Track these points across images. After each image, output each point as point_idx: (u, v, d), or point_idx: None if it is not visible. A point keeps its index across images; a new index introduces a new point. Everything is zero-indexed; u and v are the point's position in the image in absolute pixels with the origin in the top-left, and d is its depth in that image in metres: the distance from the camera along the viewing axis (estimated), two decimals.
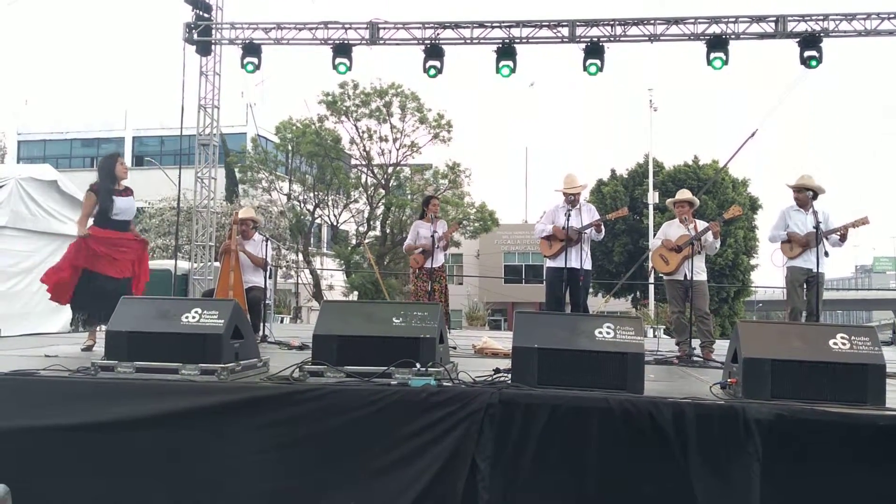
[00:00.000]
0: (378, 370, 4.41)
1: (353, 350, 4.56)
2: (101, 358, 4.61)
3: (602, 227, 7.45)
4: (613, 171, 31.35)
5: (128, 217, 6.68)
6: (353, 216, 28.03)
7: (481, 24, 11.38)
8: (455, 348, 7.25)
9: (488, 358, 6.82)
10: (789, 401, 4.01)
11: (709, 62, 10.90)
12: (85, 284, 6.43)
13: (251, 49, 11.79)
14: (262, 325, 8.03)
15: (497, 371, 4.86)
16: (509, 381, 4.39)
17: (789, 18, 10.84)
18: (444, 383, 4.33)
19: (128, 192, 6.70)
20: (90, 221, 6.54)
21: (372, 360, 4.47)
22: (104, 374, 4.49)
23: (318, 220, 28.34)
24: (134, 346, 4.54)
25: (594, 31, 11.15)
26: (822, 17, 10.75)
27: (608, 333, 4.39)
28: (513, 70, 11.20)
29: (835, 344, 4.21)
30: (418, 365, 4.41)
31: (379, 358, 4.45)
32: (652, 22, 11.12)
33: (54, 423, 4.20)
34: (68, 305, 6.78)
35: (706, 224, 7.20)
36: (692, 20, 11.02)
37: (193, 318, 4.60)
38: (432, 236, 8.00)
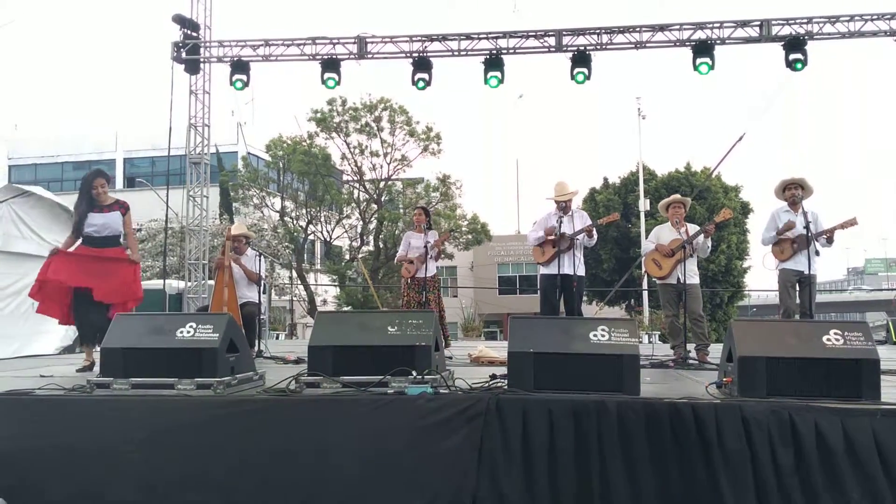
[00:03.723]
0: (374, 379, 4.40)
1: (348, 360, 4.56)
2: (96, 375, 4.60)
3: (594, 232, 7.44)
4: (606, 180, 31.41)
5: (107, 233, 6.30)
6: (345, 232, 28.03)
7: (468, 36, 11.45)
8: (451, 358, 7.24)
9: (484, 366, 6.82)
10: (785, 398, 4.03)
11: (695, 68, 10.99)
12: (74, 301, 6.23)
13: (239, 66, 11.83)
14: (257, 340, 8.02)
15: (493, 377, 4.85)
16: (506, 387, 4.39)
17: (773, 22, 10.94)
18: (441, 390, 4.33)
19: (112, 208, 6.37)
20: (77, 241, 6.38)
21: (368, 369, 4.47)
22: (100, 391, 4.48)
23: (310, 237, 28.31)
24: (129, 363, 4.54)
25: (581, 40, 11.23)
26: (805, 20, 10.85)
27: (603, 336, 4.40)
28: (501, 80, 11.29)
29: (828, 340, 4.24)
30: (414, 373, 4.41)
31: (375, 367, 4.45)
32: (638, 29, 11.21)
33: (50, 442, 4.18)
34: (58, 324, 6.71)
35: (697, 227, 7.23)
36: (677, 27, 11.12)
37: (188, 332, 4.61)
38: (425, 245, 8.02)
